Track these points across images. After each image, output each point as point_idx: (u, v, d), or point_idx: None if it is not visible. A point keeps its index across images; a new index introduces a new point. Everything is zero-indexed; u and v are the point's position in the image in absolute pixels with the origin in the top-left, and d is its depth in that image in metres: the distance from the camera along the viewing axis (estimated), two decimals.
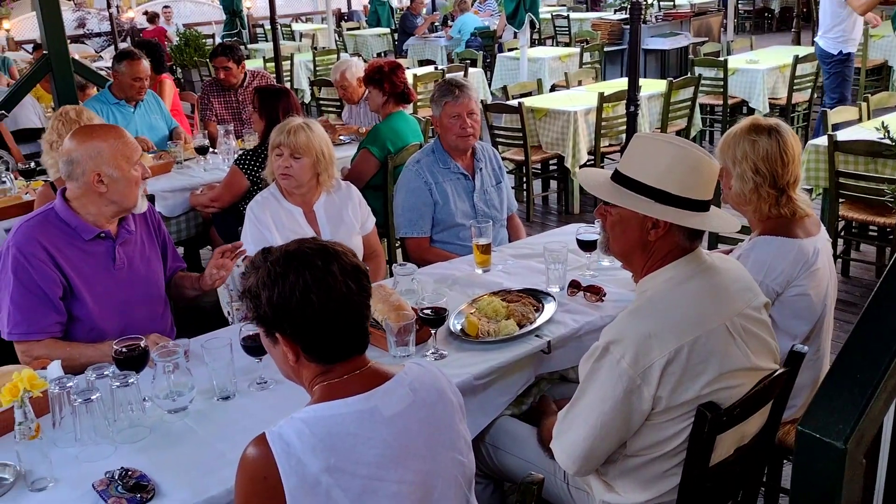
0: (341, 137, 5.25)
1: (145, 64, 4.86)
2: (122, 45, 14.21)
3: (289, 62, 9.98)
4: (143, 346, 2.14)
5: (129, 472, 1.79)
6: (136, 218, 2.59)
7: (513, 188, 4.50)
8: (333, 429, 1.42)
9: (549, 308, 2.55)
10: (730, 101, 7.52)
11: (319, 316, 1.45)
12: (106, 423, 1.95)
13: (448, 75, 8.12)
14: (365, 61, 13.59)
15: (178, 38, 11.80)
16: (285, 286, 1.45)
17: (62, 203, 2.43)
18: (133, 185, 2.44)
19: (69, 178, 2.40)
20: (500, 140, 6.25)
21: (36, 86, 6.03)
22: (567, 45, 11.69)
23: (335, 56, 10.51)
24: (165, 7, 15.00)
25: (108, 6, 11.77)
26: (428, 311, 2.33)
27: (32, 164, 4.45)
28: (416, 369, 1.58)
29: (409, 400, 1.50)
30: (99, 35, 13.98)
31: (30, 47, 10.27)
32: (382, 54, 13.55)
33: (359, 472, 1.41)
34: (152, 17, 14.40)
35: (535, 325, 2.45)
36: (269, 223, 2.94)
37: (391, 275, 2.88)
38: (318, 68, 10.27)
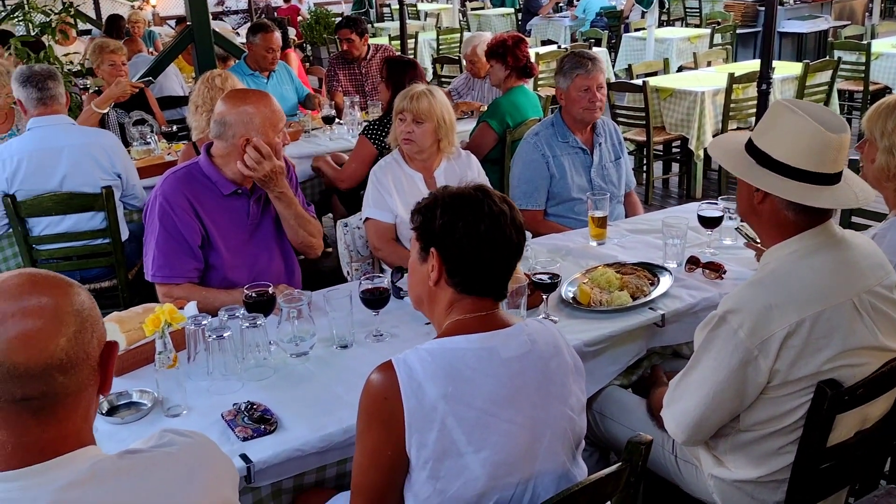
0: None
1: (277, 36, 5.09)
2: None
3: (413, 40, 10.13)
4: (270, 292, 2.27)
5: (255, 406, 1.92)
6: None
7: (633, 169, 4.44)
8: (454, 361, 1.49)
9: (665, 282, 2.52)
10: (871, 88, 7.07)
11: (478, 246, 1.55)
12: (235, 361, 2.09)
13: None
14: None
15: (309, 16, 12.20)
16: (460, 210, 1.57)
17: (206, 159, 2.59)
18: (275, 151, 2.57)
19: (218, 137, 2.56)
20: (622, 120, 6.14)
21: (178, 57, 6.43)
22: (697, 26, 11.29)
23: (459, 35, 10.59)
24: None
25: None
26: (541, 277, 2.35)
27: (174, 128, 4.76)
28: (536, 324, 1.64)
29: (527, 348, 1.54)
30: (236, 13, 14.62)
31: (173, 22, 10.87)
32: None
33: (474, 403, 1.46)
34: None
35: (649, 298, 2.43)
36: (391, 187, 3.03)
37: None
38: (441, 47, 10.37)
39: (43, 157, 3.39)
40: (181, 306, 2.30)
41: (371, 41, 5.92)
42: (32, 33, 5.70)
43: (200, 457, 1.19)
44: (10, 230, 3.45)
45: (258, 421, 1.86)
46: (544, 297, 2.36)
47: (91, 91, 5.13)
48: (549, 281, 2.34)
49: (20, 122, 4.45)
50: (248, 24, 12.10)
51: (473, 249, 1.56)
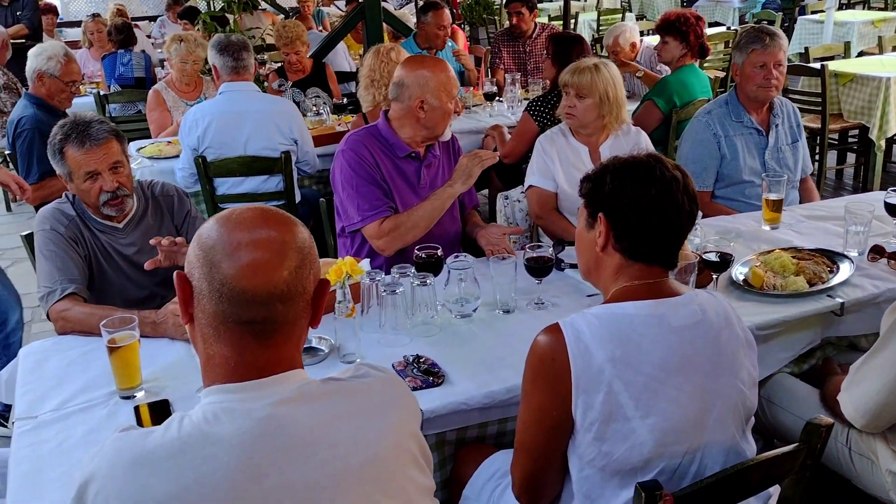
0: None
1: (447, 13, 5.18)
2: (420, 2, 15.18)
3: (574, 20, 10.03)
4: (439, 254, 2.35)
5: (423, 359, 2.00)
6: (441, 145, 2.82)
7: None
8: (622, 326, 1.49)
9: (845, 270, 2.38)
10: None
11: (647, 210, 1.54)
12: (405, 316, 2.18)
13: None
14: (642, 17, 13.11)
15: None
16: (630, 175, 1.56)
17: (384, 122, 2.73)
18: (447, 116, 2.68)
19: (395, 99, 2.68)
20: (795, 105, 5.79)
21: (346, 35, 6.69)
22: (882, 9, 10.44)
23: (620, 17, 10.36)
24: None
25: None
26: (712, 256, 2.29)
27: (344, 101, 4.98)
28: (706, 295, 1.60)
29: (698, 318, 1.52)
30: None
31: (342, 3, 11.30)
32: None
33: (642, 369, 1.46)
34: None
35: (828, 285, 2.31)
36: (555, 157, 3.04)
37: None
38: (600, 28, 10.20)
39: (230, 120, 3.67)
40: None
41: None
42: (217, 9, 6.11)
43: (393, 390, 1.27)
44: (199, 189, 3.75)
45: (426, 373, 1.95)
46: (714, 276, 2.30)
47: (269, 67, 5.47)
48: (719, 261, 2.28)
49: (207, 90, 4.82)
50: (409, 5, 12.40)
51: (642, 213, 1.54)
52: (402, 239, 2.66)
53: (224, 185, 3.77)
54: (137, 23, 7.12)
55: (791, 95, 5.82)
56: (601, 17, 10.35)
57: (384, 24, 5.74)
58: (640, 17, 13.02)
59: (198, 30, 5.96)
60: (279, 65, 5.33)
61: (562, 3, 8.33)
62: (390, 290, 2.15)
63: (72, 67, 3.91)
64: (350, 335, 2.07)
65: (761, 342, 2.21)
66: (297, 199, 3.83)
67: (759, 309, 2.25)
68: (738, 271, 2.39)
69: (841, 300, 2.27)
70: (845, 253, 2.50)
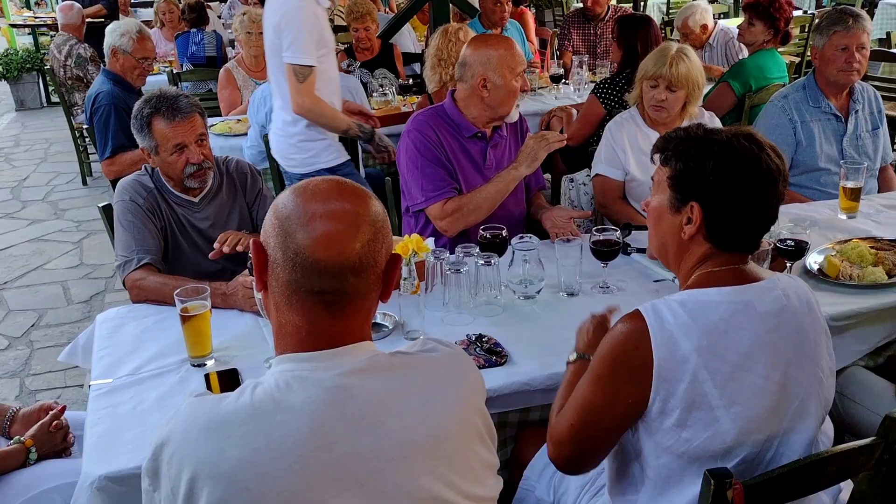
0: None
1: None
2: None
3: (643, 3, 9.81)
4: (504, 234, 2.34)
5: (486, 338, 2.00)
6: (508, 126, 2.80)
7: None
8: (707, 313, 1.44)
9: None
10: None
11: (750, 210, 1.49)
12: (469, 296, 2.19)
13: None
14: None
15: None
16: (737, 168, 1.48)
17: (451, 102, 2.71)
18: (512, 95, 2.64)
19: (460, 79, 2.67)
20: None
21: (413, 16, 6.69)
22: None
23: None
24: None
25: None
26: (787, 242, 2.22)
27: (410, 82, 4.99)
28: (787, 279, 1.55)
29: (782, 303, 1.47)
30: None
31: None
32: None
33: (728, 357, 1.42)
34: None
35: None
36: (626, 144, 2.98)
37: None
38: (671, 10, 9.95)
39: None
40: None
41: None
42: None
43: (460, 365, 1.27)
44: (267, 165, 3.81)
45: (489, 352, 1.95)
46: (788, 264, 2.24)
47: (337, 47, 5.49)
48: (794, 248, 2.21)
49: None
50: None
51: (745, 212, 1.49)
52: (464, 220, 2.66)
53: None
54: (209, 3, 7.22)
55: (872, 82, 5.60)
56: (671, 0, 10.07)
57: (450, 5, 5.73)
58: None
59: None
60: (347, 45, 5.36)
61: None
62: (455, 269, 2.15)
63: (145, 45, 4.01)
64: (414, 312, 2.08)
65: (835, 333, 2.12)
66: (362, 175, 3.86)
67: (834, 299, 2.18)
68: (813, 260, 2.32)
69: None
70: None
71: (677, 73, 2.81)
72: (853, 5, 8.45)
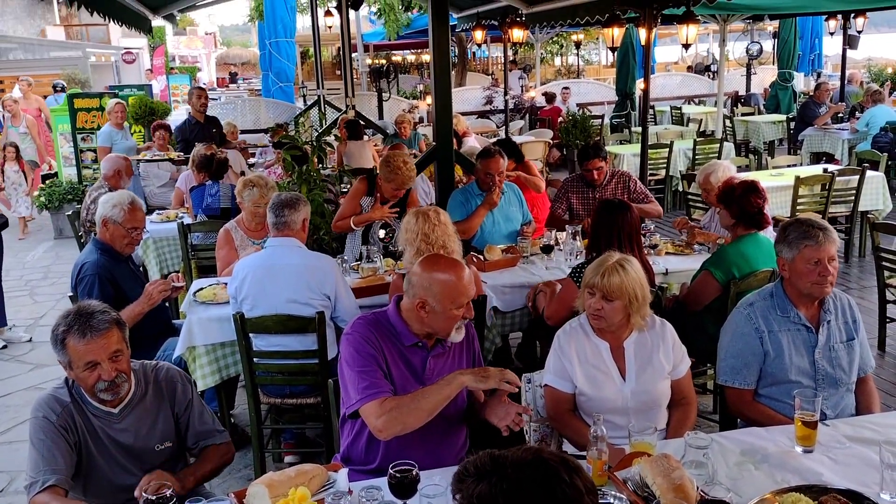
0: (695, 246, 5.02)
1: (501, 162, 5.16)
2: (520, 122, 15.44)
3: (667, 150, 9.87)
4: (413, 473, 2.20)
5: None
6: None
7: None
8: None
9: None
10: None
11: None
12: None
13: (839, 179, 7.30)
14: (752, 152, 12.76)
15: (569, 118, 12.42)
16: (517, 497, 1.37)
17: (394, 309, 2.69)
18: (450, 321, 2.60)
19: (406, 292, 2.65)
20: (887, 265, 5.39)
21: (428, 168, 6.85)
22: None
23: (717, 146, 10.12)
24: (564, 88, 15.92)
25: (506, 90, 12.90)
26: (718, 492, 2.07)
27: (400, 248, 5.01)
28: None
29: None
30: (502, 111, 15.36)
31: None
32: (776, 142, 12.72)
33: None
34: (550, 98, 15.40)
35: None
36: (573, 356, 2.88)
37: None
38: (697, 158, 9.96)
39: (264, 273, 3.79)
40: None
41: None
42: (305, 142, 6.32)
43: None
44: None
45: None
46: None
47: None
48: None
49: None
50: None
51: None
52: (402, 421, 2.50)
53: (260, 340, 3.82)
54: (224, 151, 7.48)
55: (883, 254, 5.44)
56: (697, 147, 10.11)
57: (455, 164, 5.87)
58: (743, 142, 12.70)
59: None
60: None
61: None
62: None
63: (136, 215, 4.14)
64: None
65: None
66: (332, 354, 3.82)
67: None
68: None
69: None
70: (878, 499, 2.20)
71: (609, 283, 2.80)
72: (877, 163, 8.36)
